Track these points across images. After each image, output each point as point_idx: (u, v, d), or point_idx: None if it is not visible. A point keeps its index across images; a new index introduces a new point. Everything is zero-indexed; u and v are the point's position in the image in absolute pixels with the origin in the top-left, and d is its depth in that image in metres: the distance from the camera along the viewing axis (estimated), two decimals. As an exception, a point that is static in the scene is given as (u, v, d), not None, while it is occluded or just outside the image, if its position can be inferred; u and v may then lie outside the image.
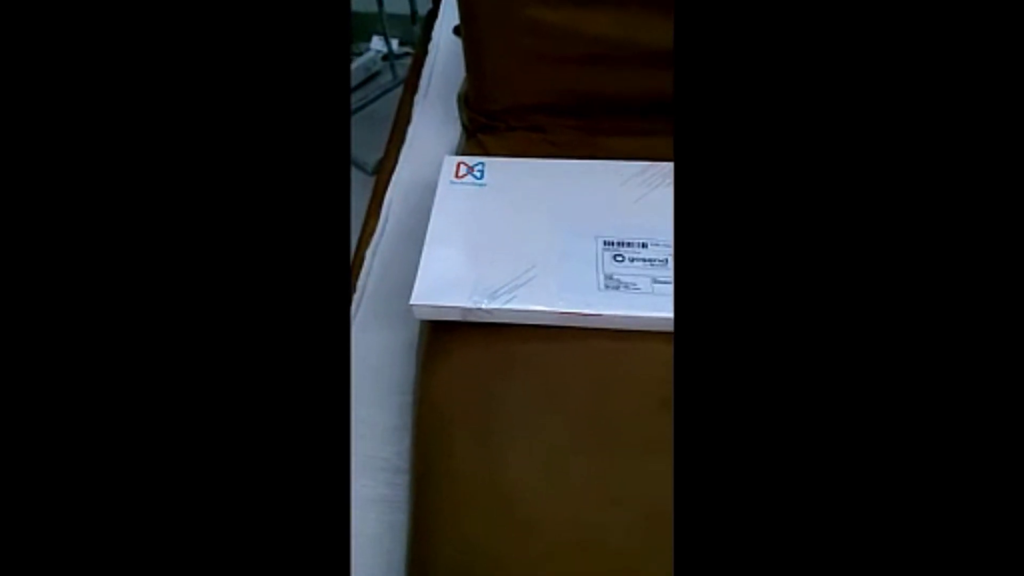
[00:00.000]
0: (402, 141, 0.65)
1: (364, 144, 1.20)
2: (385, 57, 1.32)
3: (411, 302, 0.40)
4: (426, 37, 0.81)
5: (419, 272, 0.42)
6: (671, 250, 0.42)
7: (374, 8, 1.23)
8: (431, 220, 0.45)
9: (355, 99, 1.30)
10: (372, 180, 1.27)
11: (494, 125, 0.56)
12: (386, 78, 1.33)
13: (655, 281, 0.41)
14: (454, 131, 0.63)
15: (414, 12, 1.24)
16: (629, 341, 0.39)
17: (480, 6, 0.51)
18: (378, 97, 1.30)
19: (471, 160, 0.49)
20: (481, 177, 0.48)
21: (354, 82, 1.32)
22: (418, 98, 0.70)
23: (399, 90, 1.38)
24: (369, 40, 1.37)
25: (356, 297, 0.52)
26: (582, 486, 0.34)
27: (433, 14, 0.86)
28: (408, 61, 1.36)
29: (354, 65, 1.31)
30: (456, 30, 0.75)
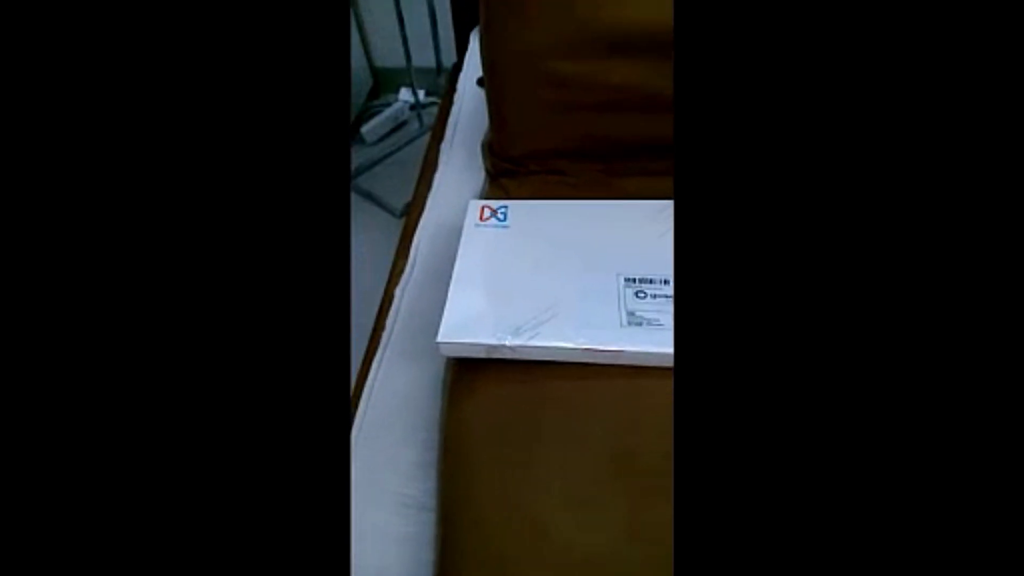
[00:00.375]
0: (429, 186, 0.69)
1: (392, 188, 1.26)
2: (413, 107, 1.40)
3: (438, 339, 0.42)
4: (451, 88, 0.86)
5: (445, 311, 0.43)
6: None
7: (402, 63, 1.31)
8: (457, 261, 0.47)
9: (385, 146, 1.36)
10: (400, 222, 1.32)
11: (515, 170, 0.58)
12: (413, 127, 1.40)
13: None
14: (478, 176, 0.66)
15: (439, 64, 1.31)
16: (652, 378, 0.39)
17: (502, 61, 0.54)
18: (406, 144, 1.36)
19: (495, 204, 0.52)
20: (504, 219, 0.50)
21: (384, 131, 1.39)
22: (444, 146, 0.74)
23: (426, 137, 1.46)
24: (398, 92, 1.46)
25: (385, 335, 0.54)
26: (608, 523, 0.34)
27: (458, 67, 0.91)
28: (434, 110, 1.44)
29: (384, 115, 1.38)
30: (480, 81, 0.80)
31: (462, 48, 0.96)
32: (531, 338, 0.41)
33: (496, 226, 0.50)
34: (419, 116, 1.40)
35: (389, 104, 1.43)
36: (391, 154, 1.35)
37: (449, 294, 0.44)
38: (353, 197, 1.30)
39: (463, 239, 0.49)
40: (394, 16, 1.22)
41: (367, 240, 1.16)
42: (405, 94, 1.44)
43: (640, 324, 0.41)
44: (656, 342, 0.40)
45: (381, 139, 1.39)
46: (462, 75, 0.85)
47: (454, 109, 0.79)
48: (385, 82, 1.49)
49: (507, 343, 0.41)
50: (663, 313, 0.42)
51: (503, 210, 0.51)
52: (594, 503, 0.35)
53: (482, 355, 0.42)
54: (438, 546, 0.37)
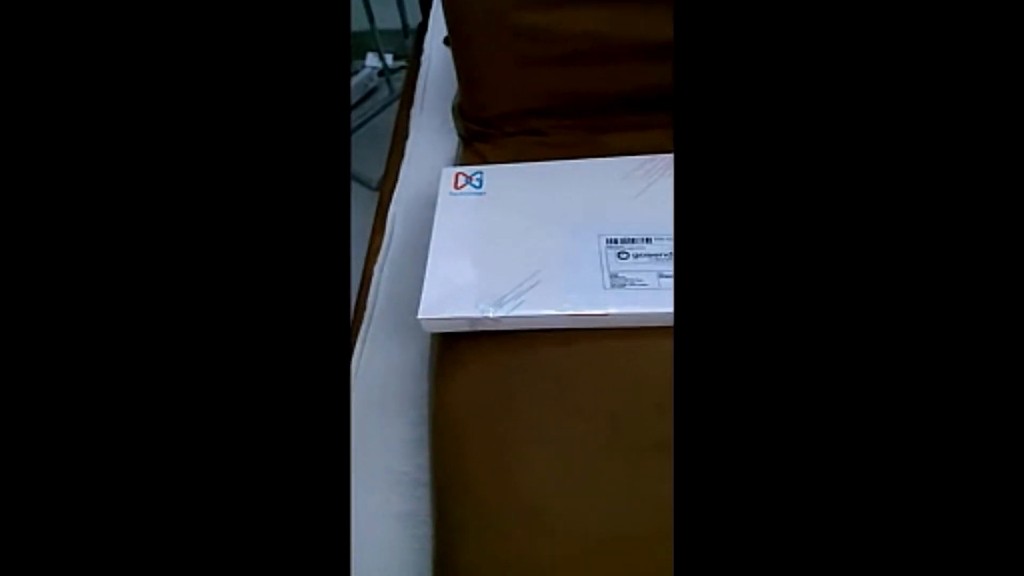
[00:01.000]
0: (401, 156, 0.66)
1: (367, 160, 1.22)
2: (381, 72, 1.34)
3: (419, 316, 0.41)
4: (418, 50, 0.82)
5: (425, 286, 0.42)
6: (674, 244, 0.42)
7: (366, 26, 1.24)
8: (433, 233, 0.45)
9: (355, 116, 1.31)
10: (376, 196, 1.28)
11: (490, 132, 0.56)
12: (383, 93, 1.34)
13: (661, 276, 0.40)
14: (452, 142, 0.63)
15: (405, 26, 1.25)
16: (639, 339, 0.39)
17: (465, 15, 0.51)
18: (377, 113, 1.31)
19: (469, 170, 0.50)
20: (480, 186, 0.48)
21: (352, 100, 1.33)
22: (414, 112, 0.71)
23: (397, 103, 1.40)
24: (364, 57, 1.39)
25: (367, 314, 0.53)
26: (602, 487, 0.34)
27: (423, 26, 0.86)
28: (403, 74, 1.38)
29: (352, 82, 1.32)
30: (447, 40, 0.76)
31: (427, 6, 0.91)
32: (515, 308, 0.40)
33: (472, 193, 0.48)
34: (388, 82, 1.34)
35: (356, 72, 1.36)
36: (363, 124, 1.30)
37: (427, 269, 0.43)
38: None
39: (438, 209, 0.47)
40: (353, -26, 1.15)
41: (345, 216, 1.13)
42: (372, 59, 1.37)
43: (624, 285, 0.40)
44: (641, 302, 0.39)
45: (351, 108, 1.33)
46: (428, 35, 0.81)
47: (422, 72, 0.75)
48: (351, 48, 1.42)
49: (490, 315, 0.40)
50: (646, 272, 0.41)
51: (478, 176, 0.49)
52: (588, 468, 0.35)
53: (466, 328, 0.41)
54: (436, 521, 0.37)
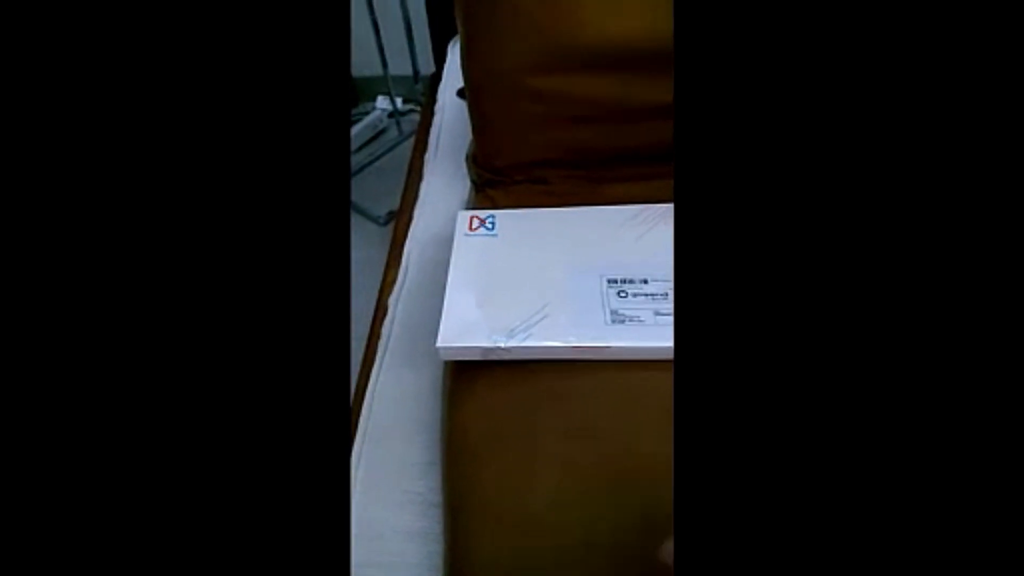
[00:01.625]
0: (415, 197, 0.71)
1: (374, 196, 1.28)
2: (391, 114, 1.41)
3: (437, 344, 0.45)
4: (431, 99, 0.88)
5: (443, 317, 0.46)
6: (669, 284, 0.47)
7: (379, 72, 1.33)
8: (450, 270, 0.50)
9: (364, 155, 1.38)
10: (383, 230, 1.34)
11: (500, 180, 0.61)
12: (392, 134, 1.42)
13: (657, 314, 0.45)
14: (463, 185, 0.68)
15: (416, 72, 1.33)
16: (636, 371, 0.43)
17: (483, 78, 0.57)
18: (386, 152, 1.38)
19: (482, 213, 0.55)
20: (493, 228, 0.53)
21: (363, 140, 1.40)
22: (428, 156, 0.76)
23: (405, 144, 1.48)
24: (375, 100, 1.47)
25: (382, 342, 0.56)
26: (606, 509, 0.37)
27: (436, 77, 0.93)
28: (412, 117, 1.46)
29: (362, 124, 1.40)
30: (459, 92, 0.82)
31: (440, 59, 0.98)
32: (524, 339, 0.44)
33: (485, 235, 0.53)
34: (398, 123, 1.41)
35: (367, 112, 1.44)
36: (371, 162, 1.37)
37: (445, 301, 0.47)
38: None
39: (455, 248, 0.52)
40: (369, 25, 1.23)
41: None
42: (382, 102, 1.45)
43: (623, 321, 0.45)
44: (639, 337, 0.43)
45: (361, 147, 1.40)
46: (441, 85, 0.88)
47: (436, 120, 0.81)
48: (362, 91, 1.50)
49: (502, 344, 0.44)
50: (643, 310, 0.45)
51: (491, 220, 0.54)
52: (593, 490, 0.38)
53: (479, 357, 0.45)
54: (447, 539, 0.40)
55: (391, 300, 0.60)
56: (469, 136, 0.66)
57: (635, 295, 0.46)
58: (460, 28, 0.57)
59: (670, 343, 0.43)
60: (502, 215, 0.54)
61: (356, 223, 1.26)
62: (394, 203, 1.21)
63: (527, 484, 0.39)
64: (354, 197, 1.28)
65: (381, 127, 1.43)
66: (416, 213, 0.69)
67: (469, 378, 0.45)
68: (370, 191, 1.30)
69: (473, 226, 0.54)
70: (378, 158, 1.37)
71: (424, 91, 1.34)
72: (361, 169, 1.35)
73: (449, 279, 0.49)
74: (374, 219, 1.26)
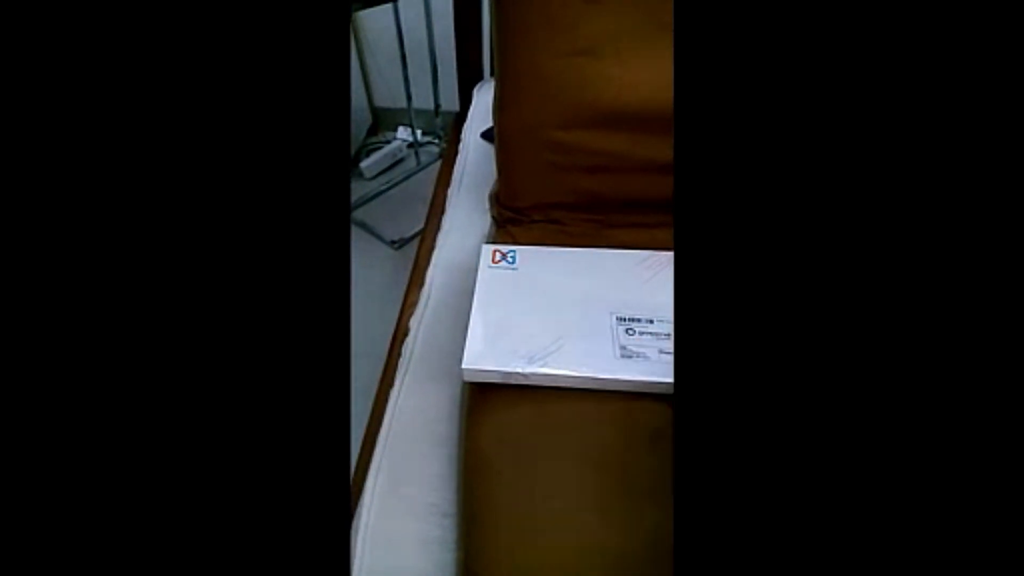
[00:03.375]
0: (438, 228, 0.77)
1: (388, 221, 1.34)
2: (410, 145, 1.49)
3: (462, 366, 0.49)
4: (456, 138, 0.95)
5: (467, 342, 0.51)
6: (671, 326, 0.52)
7: (401, 104, 1.41)
8: (474, 298, 0.55)
9: (382, 181, 1.44)
10: (395, 254, 1.39)
11: (520, 219, 0.67)
12: (410, 163, 1.49)
13: (661, 352, 0.50)
14: (483, 221, 0.74)
15: (437, 106, 1.41)
16: (640, 401, 0.48)
17: (512, 130, 0.64)
18: (402, 180, 1.45)
19: (504, 248, 0.60)
20: (514, 262, 0.59)
21: (382, 166, 1.47)
22: (451, 191, 0.82)
23: (421, 174, 1.54)
24: (395, 130, 1.55)
25: (403, 360, 0.61)
26: (616, 524, 0.41)
27: (462, 117, 1.01)
28: (429, 149, 1.53)
29: (382, 152, 1.47)
30: (483, 135, 0.89)
31: (465, 99, 1.05)
32: (541, 366, 0.48)
33: (506, 268, 0.58)
34: (416, 154, 1.49)
35: (388, 141, 1.51)
36: (388, 189, 1.43)
37: (469, 327, 0.52)
38: (351, 228, 1.37)
39: (479, 279, 0.57)
40: (397, 61, 1.32)
41: (362, 267, 1.23)
42: (403, 132, 1.53)
43: (631, 357, 0.49)
44: (645, 372, 0.48)
45: (379, 174, 1.47)
46: (466, 125, 0.95)
47: (460, 159, 0.87)
48: (384, 121, 1.58)
49: (520, 370, 0.48)
50: (649, 348, 0.50)
51: (512, 254, 0.59)
52: (596, 509, 0.42)
53: (498, 380, 0.49)
54: (461, 548, 0.44)
55: (412, 322, 0.65)
56: (491, 176, 0.72)
57: (642, 333, 0.51)
58: (495, 86, 0.64)
59: (671, 379, 0.48)
60: (522, 251, 0.60)
61: (369, 246, 1.31)
62: (407, 229, 1.28)
63: (537, 500, 0.43)
64: (369, 221, 1.34)
65: (400, 156, 1.50)
66: (439, 242, 0.74)
67: (486, 399, 0.50)
68: (384, 216, 1.35)
69: (496, 259, 0.59)
70: (395, 185, 1.44)
71: (443, 125, 1.42)
72: (378, 195, 1.41)
73: (473, 307, 0.54)
74: (386, 241, 1.31)
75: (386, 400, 0.57)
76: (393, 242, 1.31)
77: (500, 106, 0.64)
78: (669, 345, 0.50)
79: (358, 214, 1.36)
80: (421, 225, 0.90)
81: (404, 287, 0.73)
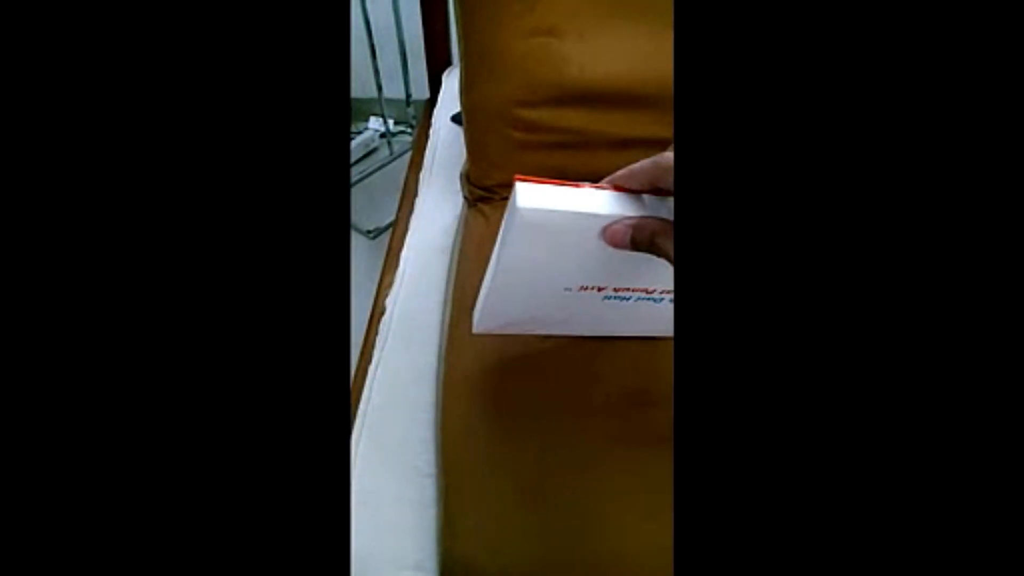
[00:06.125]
0: (411, 211, 0.79)
1: (365, 211, 1.34)
2: (383, 135, 1.49)
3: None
4: (427, 123, 0.96)
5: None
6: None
7: (373, 94, 1.41)
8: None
9: (355, 172, 1.44)
10: (371, 243, 1.40)
11: (490, 196, 0.69)
12: (383, 153, 1.49)
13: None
14: (454, 201, 0.76)
15: (408, 96, 1.42)
16: (642, 345, 0.48)
17: (479, 109, 0.65)
18: (376, 170, 1.45)
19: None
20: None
21: (355, 157, 1.47)
22: (423, 175, 0.84)
23: (395, 163, 1.55)
24: (368, 120, 1.55)
25: (380, 337, 0.63)
26: (600, 484, 0.43)
27: (432, 102, 1.02)
28: (402, 138, 1.53)
29: (355, 142, 1.47)
30: (453, 118, 0.91)
31: (435, 86, 1.07)
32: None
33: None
34: (389, 143, 1.49)
35: (360, 132, 1.51)
36: (362, 179, 1.44)
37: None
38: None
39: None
40: (367, 50, 1.32)
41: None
42: (375, 123, 1.53)
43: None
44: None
45: (352, 164, 1.47)
46: (436, 110, 0.96)
47: (431, 142, 0.89)
48: (357, 111, 1.57)
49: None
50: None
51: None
52: (576, 458, 0.44)
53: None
54: (440, 505, 0.46)
55: (388, 301, 0.67)
56: (461, 157, 0.74)
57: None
58: (461, 66, 0.66)
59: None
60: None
61: (346, 235, 1.32)
62: (382, 219, 1.28)
63: (510, 458, 0.45)
64: (344, 211, 1.34)
65: (373, 146, 1.50)
66: (412, 224, 0.76)
67: (462, 361, 0.52)
68: (360, 207, 1.36)
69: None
70: (369, 175, 1.44)
71: (415, 114, 1.42)
72: (352, 185, 1.42)
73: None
74: (363, 233, 1.32)
75: (365, 375, 0.59)
76: (369, 232, 1.31)
77: (466, 86, 0.65)
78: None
79: (333, 205, 1.36)
80: (396, 214, 0.91)
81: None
